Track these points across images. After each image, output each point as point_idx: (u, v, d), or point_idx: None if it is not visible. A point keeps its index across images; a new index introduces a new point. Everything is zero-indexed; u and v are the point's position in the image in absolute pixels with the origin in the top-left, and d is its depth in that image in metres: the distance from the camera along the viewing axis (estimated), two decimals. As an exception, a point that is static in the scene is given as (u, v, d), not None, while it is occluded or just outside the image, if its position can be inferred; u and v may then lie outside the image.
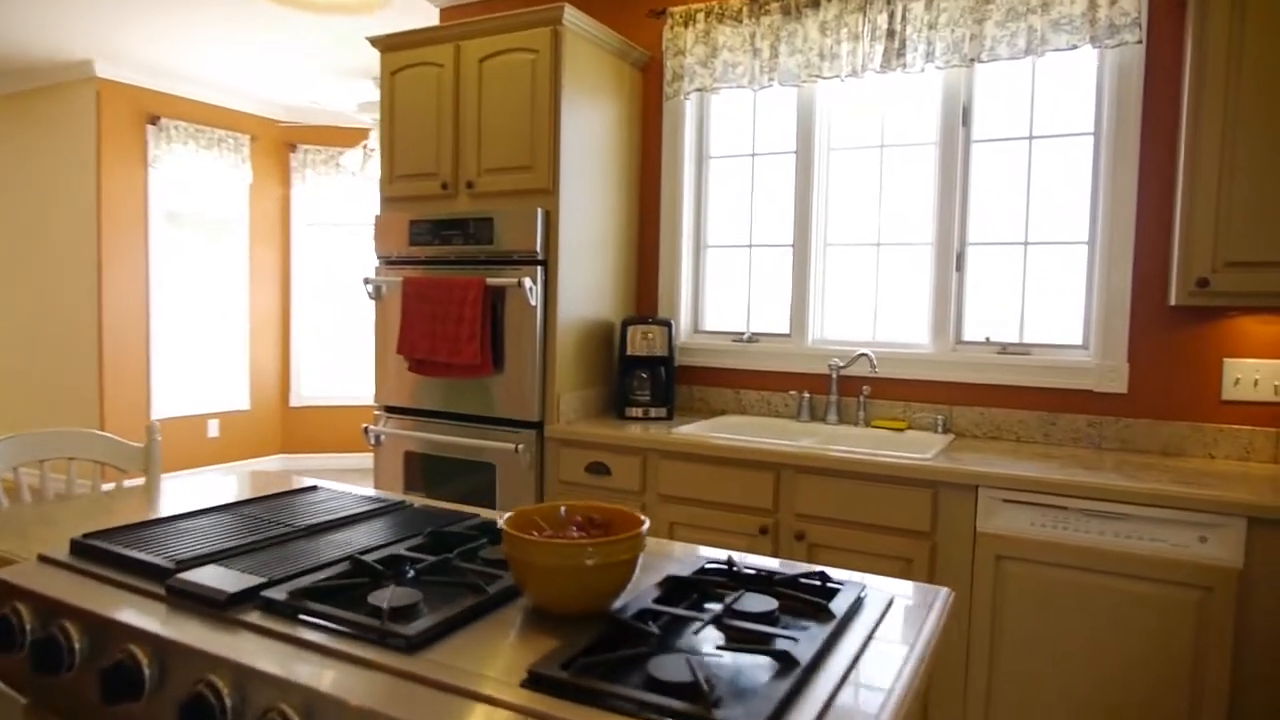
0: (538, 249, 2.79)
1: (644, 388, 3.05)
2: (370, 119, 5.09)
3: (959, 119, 2.82)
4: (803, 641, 0.97)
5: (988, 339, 2.81)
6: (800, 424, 2.95)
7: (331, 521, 1.43)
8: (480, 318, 2.80)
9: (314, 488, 1.69)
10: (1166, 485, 2.06)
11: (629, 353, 2.99)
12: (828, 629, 1.02)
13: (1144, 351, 2.56)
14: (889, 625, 1.10)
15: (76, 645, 1.07)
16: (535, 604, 1.11)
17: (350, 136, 6.17)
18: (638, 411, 2.98)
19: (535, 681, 0.88)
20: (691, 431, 2.72)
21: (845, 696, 0.89)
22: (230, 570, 1.16)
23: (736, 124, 3.27)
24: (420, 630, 0.98)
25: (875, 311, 3.04)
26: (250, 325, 6.03)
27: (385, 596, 1.07)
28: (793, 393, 3.05)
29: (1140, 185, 2.54)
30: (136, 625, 1.05)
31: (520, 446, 2.78)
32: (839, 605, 1.10)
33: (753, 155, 3.24)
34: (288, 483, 1.83)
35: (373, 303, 3.15)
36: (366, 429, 3.12)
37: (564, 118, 2.80)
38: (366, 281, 3.08)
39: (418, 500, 1.66)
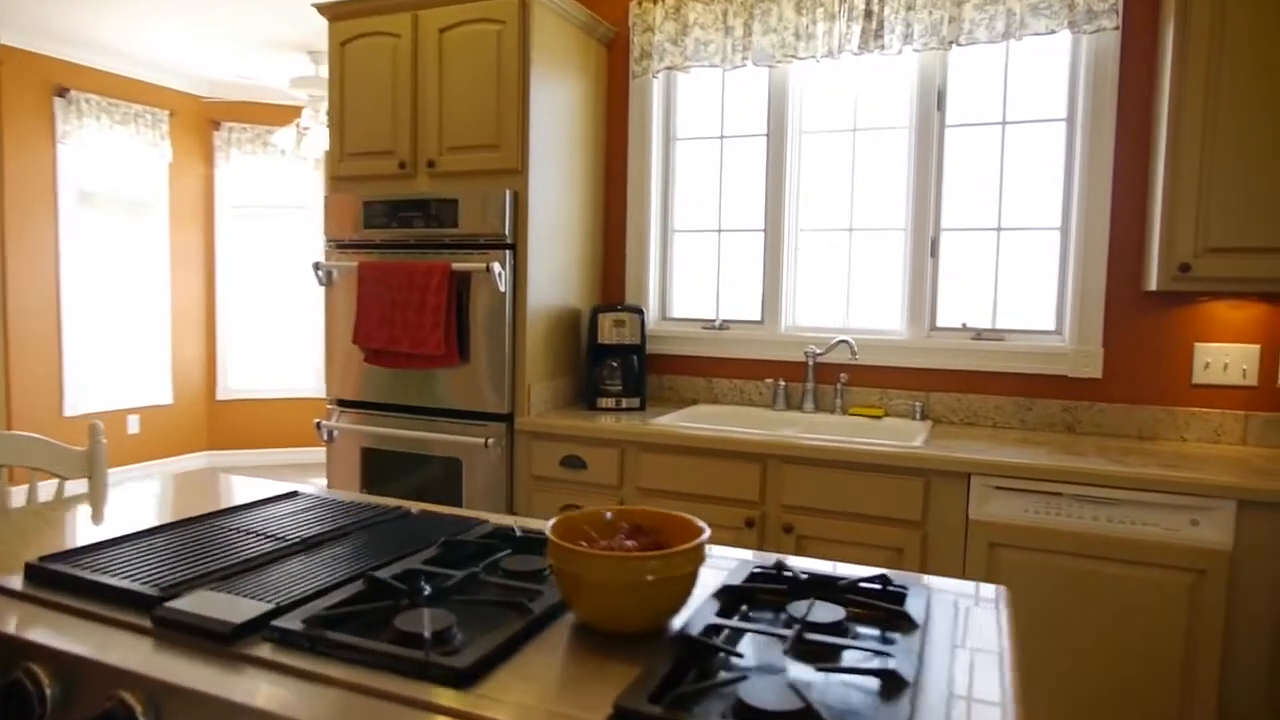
0: (506, 232, 2.64)
1: (615, 377, 2.94)
2: (304, 95, 4.80)
3: (934, 103, 2.79)
4: (899, 656, 0.88)
5: (965, 325, 2.80)
6: (776, 412, 2.89)
7: (326, 533, 1.28)
8: (445, 305, 2.64)
9: (294, 494, 1.53)
10: (1158, 469, 2.07)
11: (600, 341, 2.87)
12: (915, 639, 0.94)
13: (1118, 337, 2.59)
14: (967, 630, 1.03)
15: (48, 691, 0.91)
16: (585, 621, 1.00)
17: (281, 114, 5.83)
18: (609, 402, 2.87)
19: (624, 718, 0.77)
20: (670, 422, 2.63)
21: (958, 714, 0.81)
22: (226, 595, 1.01)
23: (704, 105, 3.17)
24: (473, 661, 0.86)
25: (848, 298, 3.00)
26: (172, 314, 5.65)
27: (419, 620, 0.94)
28: (768, 381, 2.99)
29: (1115, 171, 2.56)
30: (123, 666, 0.89)
31: (490, 440, 2.64)
32: (915, 611, 1.02)
33: (721, 138, 3.15)
34: (226, 490, 1.65)
35: (322, 289, 2.94)
36: (319, 424, 2.92)
37: (533, 94, 2.65)
38: (317, 267, 2.87)
39: (414, 506, 1.52)
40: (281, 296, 6.03)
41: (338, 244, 2.90)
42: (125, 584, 1.02)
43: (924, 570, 2.26)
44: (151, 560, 1.12)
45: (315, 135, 4.85)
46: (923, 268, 2.83)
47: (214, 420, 5.92)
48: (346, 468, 2.92)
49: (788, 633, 0.93)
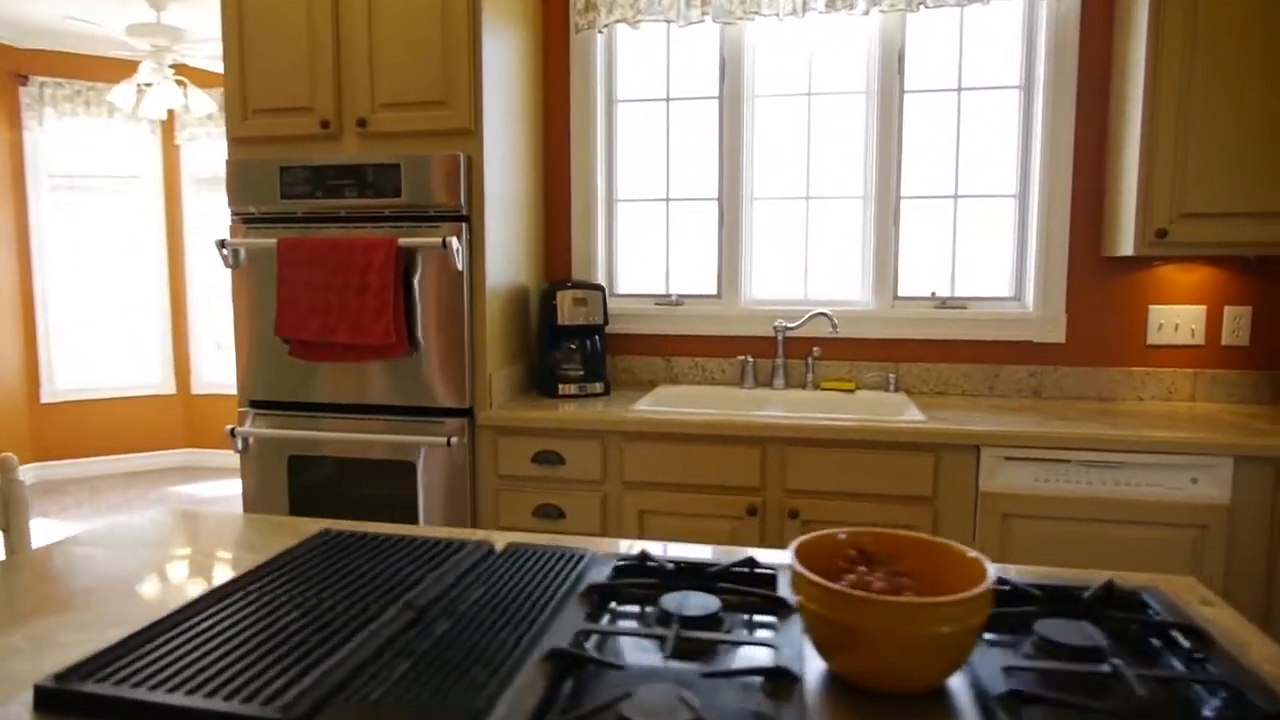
0: (461, 202, 2.32)
1: (574, 361, 2.69)
2: (146, 45, 4.10)
3: (895, 67, 2.72)
4: (783, 648, 0.84)
5: (934, 294, 2.77)
6: (746, 391, 2.75)
7: (441, 592, 0.99)
8: (392, 287, 2.29)
9: (332, 533, 1.21)
10: (1162, 431, 2.11)
11: (560, 322, 2.61)
12: (795, 625, 0.91)
13: (1079, 302, 2.64)
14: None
15: None
16: (848, 675, 0.81)
17: (113, 68, 4.99)
18: (571, 389, 2.63)
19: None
20: (647, 407, 2.42)
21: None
22: (391, 715, 0.72)
23: (646, 65, 2.95)
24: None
25: (806, 269, 2.91)
26: (-22, 305, 4.75)
27: (669, 710, 0.71)
28: (737, 358, 2.85)
29: (1076, 138, 2.59)
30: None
31: (454, 439, 2.33)
32: (789, 593, 0.96)
33: (667, 100, 2.95)
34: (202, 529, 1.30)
35: (228, 272, 2.48)
36: (233, 431, 2.48)
37: (484, 42, 2.33)
38: (222, 245, 2.42)
39: (496, 538, 1.24)
40: (120, 281, 5.22)
41: (246, 218, 2.45)
42: (226, 706, 0.71)
43: (935, 546, 2.20)
44: (228, 659, 0.80)
45: (161, 93, 4.17)
46: (887, 236, 2.77)
47: (39, 427, 5.07)
48: (269, 480, 2.50)
49: (665, 632, 0.86)
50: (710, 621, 0.91)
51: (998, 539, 2.17)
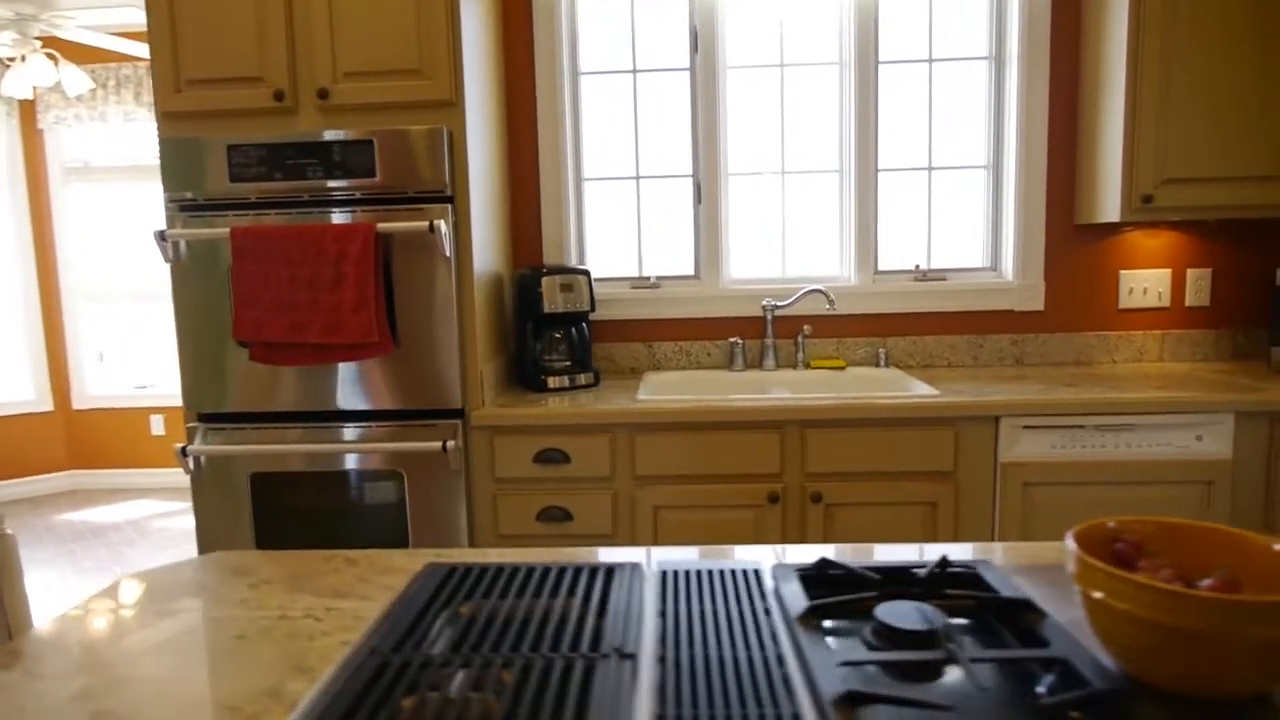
0: (447, 182, 2.10)
1: (559, 351, 2.52)
2: (8, 14, 3.56)
3: (872, 37, 2.68)
4: (1090, 672, 0.74)
5: (917, 266, 2.76)
6: (738, 374, 2.66)
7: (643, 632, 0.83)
8: (373, 278, 2.05)
9: (444, 566, 1.01)
10: (1166, 392, 2.16)
11: (546, 310, 2.43)
12: (1062, 631, 0.80)
13: (1055, 270, 2.69)
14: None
15: None
16: (1157, 683, 0.72)
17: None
18: (560, 381, 2.45)
19: None
20: (647, 396, 2.29)
21: None
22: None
23: (610, 35, 2.78)
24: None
25: (784, 246, 2.84)
26: None
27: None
28: (722, 340, 2.75)
29: (1050, 108, 2.63)
30: None
31: (451, 443, 2.12)
32: (1010, 593, 0.91)
33: (634, 72, 2.80)
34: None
35: (167, 267, 2.16)
36: (184, 449, 2.17)
37: (461, 4, 2.11)
38: (163, 238, 2.09)
39: (662, 554, 1.08)
40: (-26, 286, 4.58)
41: (186, 205, 2.13)
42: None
43: (958, 521, 2.19)
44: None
45: (28, 69, 3.64)
46: (868, 210, 2.74)
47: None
48: (227, 503, 2.21)
49: (944, 656, 0.75)
50: (953, 635, 0.80)
51: (1020, 509, 2.17)
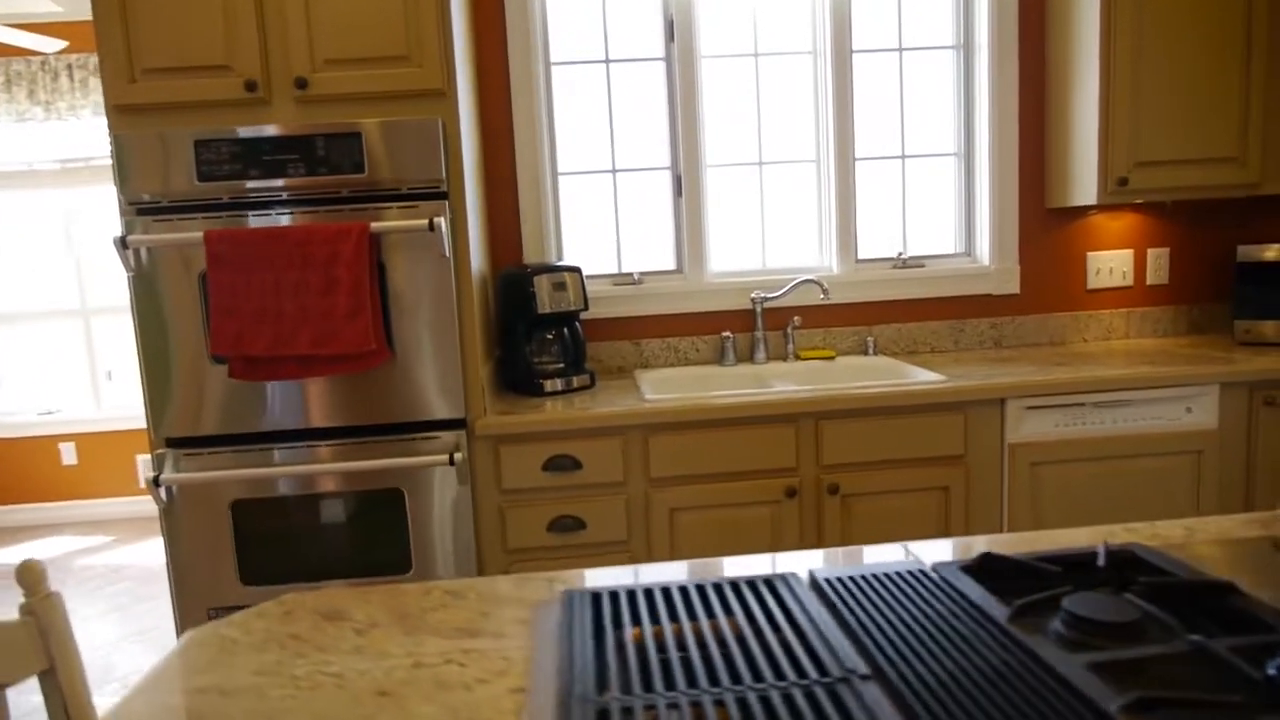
0: (443, 177, 1.96)
1: (551, 353, 2.42)
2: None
3: (848, 26, 2.68)
4: None
5: (899, 254, 2.77)
6: (728, 368, 2.61)
7: (868, 650, 0.76)
8: (368, 281, 1.90)
9: (588, 593, 0.91)
10: (1157, 368, 2.24)
11: (541, 310, 2.32)
12: None
13: (1029, 253, 2.76)
14: None
15: None
16: None
17: None
18: (556, 384, 2.35)
19: None
20: (661, 395, 2.21)
21: None
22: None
23: (579, 25, 2.68)
24: None
25: (763, 237, 2.81)
26: None
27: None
28: (710, 335, 2.69)
29: (1020, 96, 2.69)
30: None
31: (458, 455, 1.99)
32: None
33: (607, 62, 2.71)
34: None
35: (128, 277, 1.94)
36: (157, 478, 1.95)
37: (449, -12, 1.98)
38: (123, 245, 1.88)
39: (793, 561, 1.00)
40: None
41: (145, 208, 1.92)
42: None
43: (969, 504, 2.21)
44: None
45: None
46: (848, 199, 2.74)
47: None
48: (205, 534, 2.01)
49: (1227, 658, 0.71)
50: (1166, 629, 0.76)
51: (1029, 488, 2.20)
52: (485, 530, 2.11)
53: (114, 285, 4.41)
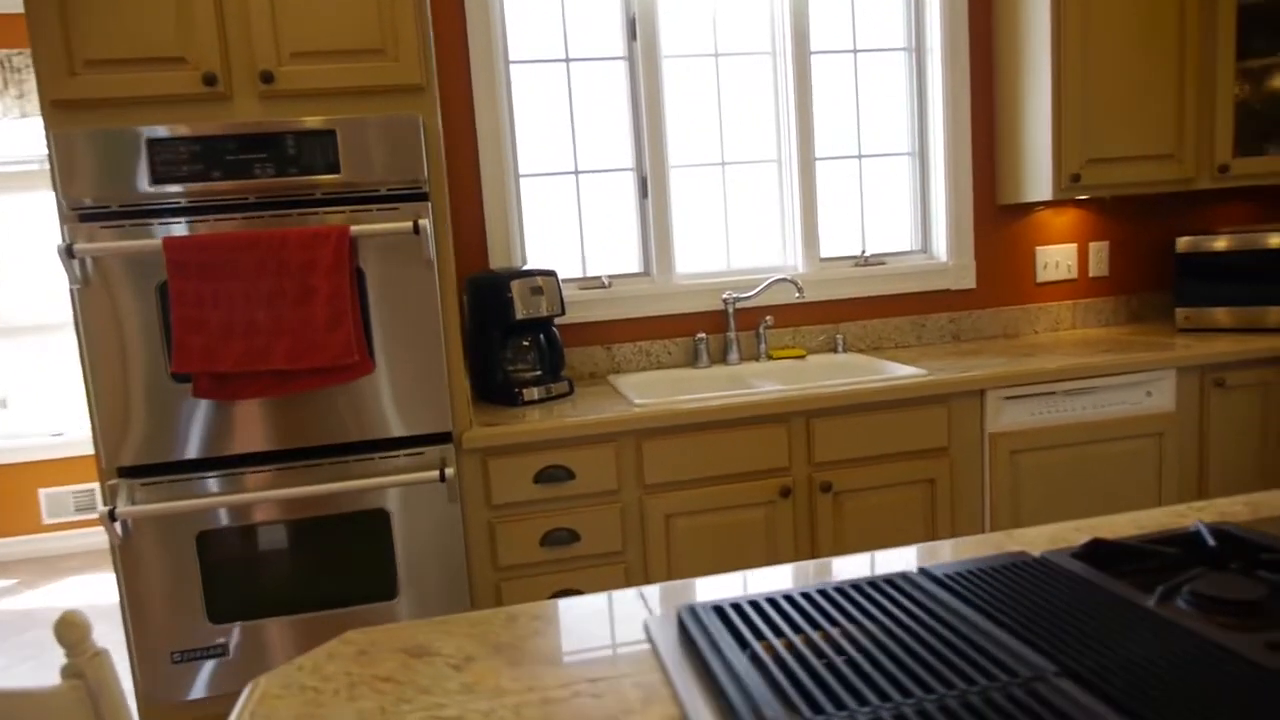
0: (424, 177, 1.85)
1: (527, 360, 2.33)
2: None
3: (807, 26, 2.70)
4: None
5: (863, 253, 2.81)
6: (704, 370, 2.58)
7: (1027, 645, 0.72)
8: (348, 289, 1.77)
9: (712, 608, 0.85)
10: (1121, 355, 2.34)
11: (519, 316, 2.23)
12: None
13: (984, 249, 2.85)
14: None
15: None
16: None
17: None
18: (535, 393, 2.26)
19: None
20: (649, 399, 2.16)
21: None
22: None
23: (538, 22, 2.61)
24: None
25: (727, 237, 2.80)
26: None
27: None
28: (681, 338, 2.65)
29: (972, 97, 2.77)
30: None
31: (449, 471, 1.88)
32: None
33: (567, 61, 2.64)
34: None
35: (73, 290, 1.75)
36: (112, 513, 1.76)
37: (424, -22, 1.87)
38: (70, 254, 1.69)
39: (887, 559, 0.96)
40: None
41: (90, 214, 1.74)
42: None
43: (953, 494, 2.24)
44: None
45: None
46: (812, 198, 2.76)
47: None
48: (167, 570, 1.83)
49: None
50: None
51: (1009, 476, 2.26)
52: (474, 549, 2.00)
53: (11, 302, 4.02)
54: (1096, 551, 0.91)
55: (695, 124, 2.73)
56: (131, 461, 1.80)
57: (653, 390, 2.47)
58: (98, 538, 4.06)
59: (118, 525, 1.78)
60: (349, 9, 1.80)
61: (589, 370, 2.62)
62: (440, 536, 1.94)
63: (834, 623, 0.80)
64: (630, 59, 2.64)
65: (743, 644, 0.77)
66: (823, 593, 0.86)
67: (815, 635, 0.78)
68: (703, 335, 2.60)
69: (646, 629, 0.87)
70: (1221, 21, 2.51)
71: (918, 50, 2.80)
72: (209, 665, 1.86)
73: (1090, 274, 2.93)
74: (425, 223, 1.80)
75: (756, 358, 2.67)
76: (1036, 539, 1.05)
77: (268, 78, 1.78)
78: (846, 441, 2.16)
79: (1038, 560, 0.91)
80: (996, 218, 2.84)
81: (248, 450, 1.84)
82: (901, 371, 2.32)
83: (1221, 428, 2.37)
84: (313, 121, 1.78)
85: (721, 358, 2.67)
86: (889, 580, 0.88)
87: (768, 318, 2.66)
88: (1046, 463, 2.27)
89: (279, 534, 1.86)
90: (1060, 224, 2.89)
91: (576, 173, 2.68)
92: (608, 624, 0.90)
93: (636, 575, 2.09)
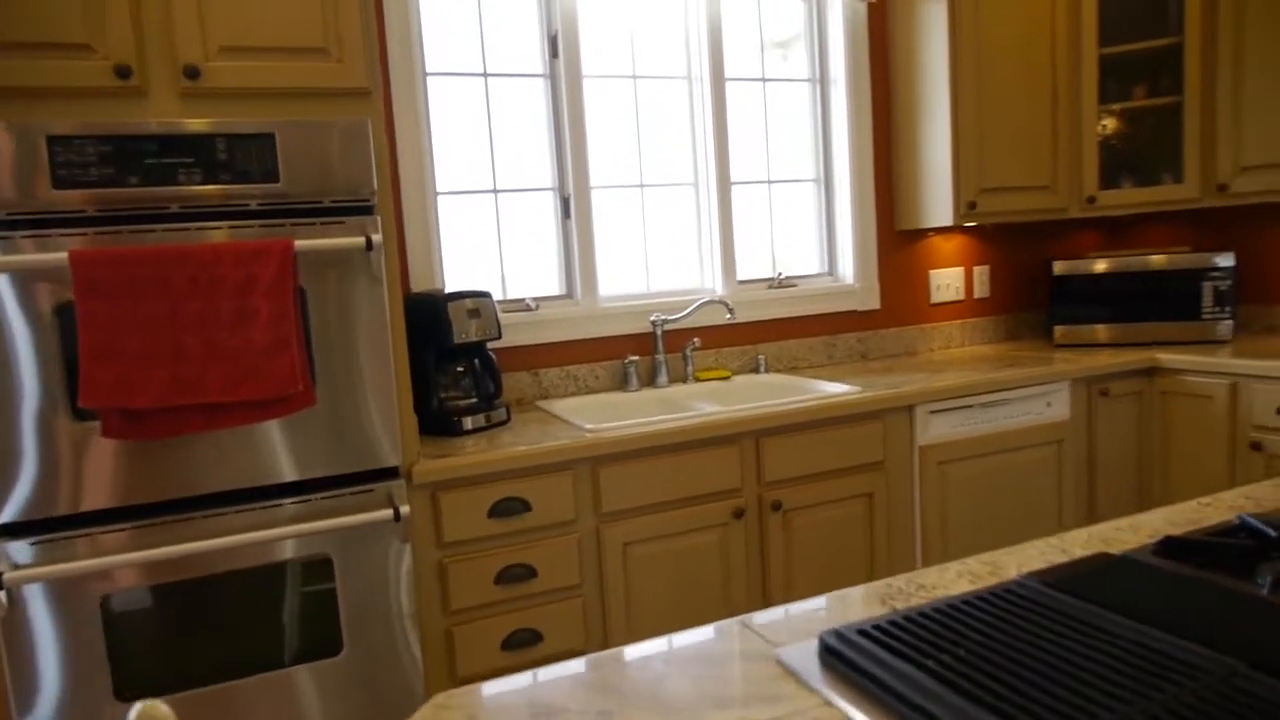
0: (373, 188, 1.71)
1: (462, 387, 2.20)
2: None
3: (722, 53, 2.75)
4: None
5: (779, 274, 2.88)
6: (634, 394, 2.54)
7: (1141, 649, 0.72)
8: (292, 310, 1.59)
9: (857, 634, 0.79)
10: (1023, 370, 2.52)
11: (457, 340, 2.09)
12: None
13: (886, 272, 3.00)
14: None
15: None
16: None
17: None
18: (475, 421, 2.13)
19: None
20: (598, 424, 2.08)
21: None
22: None
23: (454, 35, 2.50)
24: None
25: (647, 259, 2.79)
26: None
27: None
28: (607, 362, 2.60)
29: (874, 127, 2.93)
30: None
31: (402, 509, 1.72)
32: None
33: (485, 75, 2.55)
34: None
35: (-58, 316, 1.45)
36: (-2, 582, 1.47)
37: (368, -24, 1.74)
38: (-54, 269, 1.40)
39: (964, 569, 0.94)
40: None
41: (-25, 221, 1.46)
42: None
43: (889, 506, 2.32)
44: None
45: None
46: (729, 221, 2.80)
47: None
48: (64, 642, 1.55)
49: None
50: None
51: (939, 486, 2.36)
52: (425, 591, 1.84)
53: None
54: (1172, 547, 0.96)
55: (613, 146, 2.70)
56: (18, 518, 1.51)
57: (589, 415, 2.40)
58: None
59: (1, 594, 1.48)
60: (289, 3, 1.64)
61: (516, 396, 2.50)
62: (389, 583, 1.76)
63: (988, 636, 0.78)
64: (552, 76, 2.58)
65: (916, 663, 0.73)
66: (954, 608, 0.84)
67: (979, 650, 0.76)
68: (633, 358, 2.56)
69: (780, 661, 0.82)
70: (1084, 68, 2.80)
71: (822, 81, 2.93)
72: (116, 753, 1.58)
73: (975, 295, 3.16)
74: (378, 238, 1.65)
75: (684, 380, 2.66)
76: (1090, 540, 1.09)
77: (192, 73, 1.58)
78: (793, 460, 2.18)
79: (1127, 559, 0.94)
80: (894, 242, 3.00)
81: (165, 498, 1.59)
82: (832, 389, 2.38)
83: (1107, 431, 2.60)
84: (249, 124, 1.59)
85: (650, 380, 2.64)
86: (1008, 590, 0.88)
87: (695, 340, 2.66)
88: (968, 472, 2.40)
89: (203, 591, 1.63)
90: (949, 249, 3.10)
91: (495, 191, 2.57)
92: (749, 660, 0.84)
93: (594, 610, 2.00)
